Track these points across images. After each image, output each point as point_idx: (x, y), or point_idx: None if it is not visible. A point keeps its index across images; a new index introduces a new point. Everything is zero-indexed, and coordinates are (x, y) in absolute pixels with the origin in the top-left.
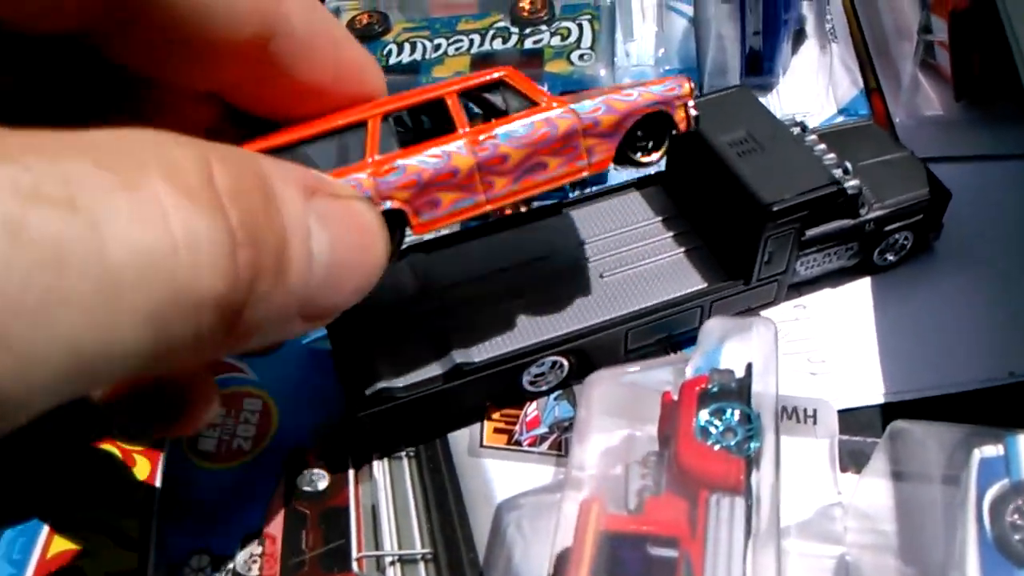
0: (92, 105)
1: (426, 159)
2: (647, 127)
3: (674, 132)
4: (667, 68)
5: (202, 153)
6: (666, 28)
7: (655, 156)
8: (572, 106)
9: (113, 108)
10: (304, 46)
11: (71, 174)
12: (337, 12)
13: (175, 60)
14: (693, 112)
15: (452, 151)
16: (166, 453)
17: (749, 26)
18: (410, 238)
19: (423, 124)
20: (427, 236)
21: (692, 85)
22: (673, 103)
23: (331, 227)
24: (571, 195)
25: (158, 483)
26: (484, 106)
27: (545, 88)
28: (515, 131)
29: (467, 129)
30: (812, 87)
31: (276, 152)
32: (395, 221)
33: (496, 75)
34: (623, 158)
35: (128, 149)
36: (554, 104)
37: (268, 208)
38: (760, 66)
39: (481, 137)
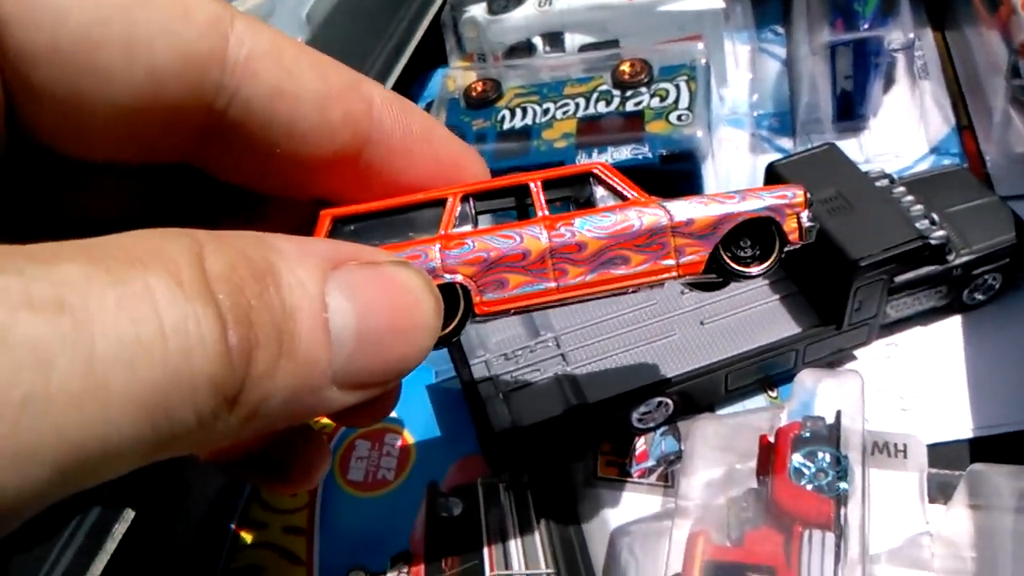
0: (205, 219)
1: (497, 238)
2: (754, 236)
3: (784, 245)
4: (760, 112)
5: (194, 243)
6: (759, 73)
7: (756, 269)
8: (664, 203)
9: (225, 219)
10: (400, 147)
11: (62, 276)
12: (455, 81)
13: (274, 175)
14: (807, 223)
15: (525, 233)
16: (322, 483)
17: (840, 69)
18: None
19: (507, 209)
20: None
21: (808, 195)
22: (783, 211)
23: (359, 295)
24: None
25: (318, 508)
26: (576, 202)
27: (646, 148)
28: (595, 220)
29: (546, 214)
30: (903, 127)
31: (351, 220)
32: (457, 297)
33: (589, 168)
34: (719, 266)
35: (122, 247)
36: (644, 200)
37: (264, 287)
38: (852, 108)
39: (559, 224)
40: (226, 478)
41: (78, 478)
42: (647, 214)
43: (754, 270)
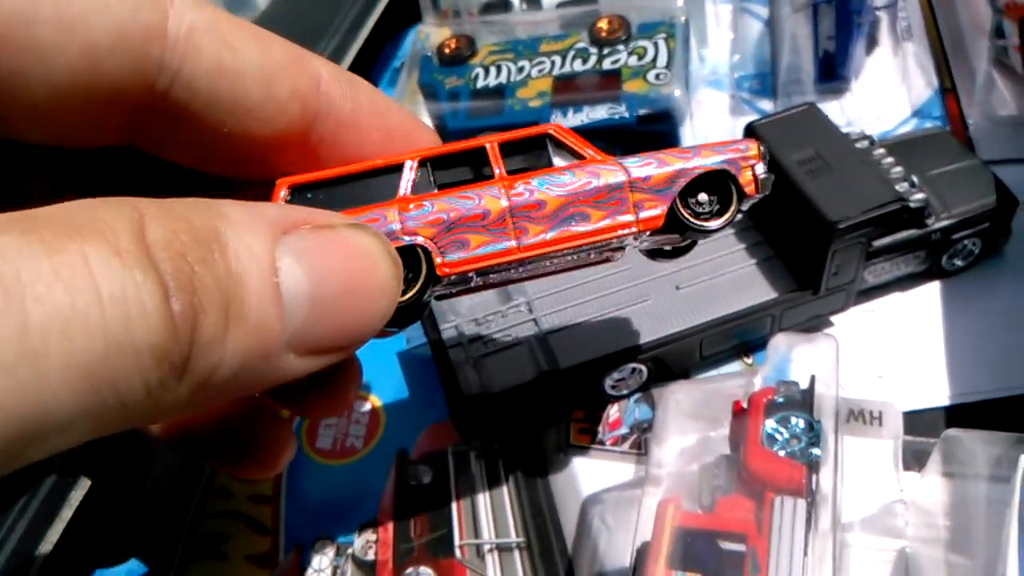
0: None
1: (456, 199)
2: (711, 190)
3: (742, 198)
4: (741, 74)
5: (135, 211)
6: (741, 33)
7: (715, 223)
8: (620, 159)
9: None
10: (349, 121)
11: None
12: (427, 38)
13: (225, 154)
14: (762, 175)
15: (484, 193)
16: None
17: (823, 29)
18: None
19: (464, 176)
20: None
21: (761, 148)
22: (737, 163)
23: (312, 258)
24: None
25: (284, 477)
26: (531, 162)
27: (623, 108)
28: (553, 178)
29: (504, 174)
30: (886, 89)
31: (308, 188)
32: (419, 261)
33: (543, 130)
34: (678, 222)
35: (59, 218)
36: (599, 157)
37: (208, 253)
38: (834, 69)
39: (517, 183)
40: (189, 459)
41: (20, 449)
42: (605, 171)
43: (713, 224)
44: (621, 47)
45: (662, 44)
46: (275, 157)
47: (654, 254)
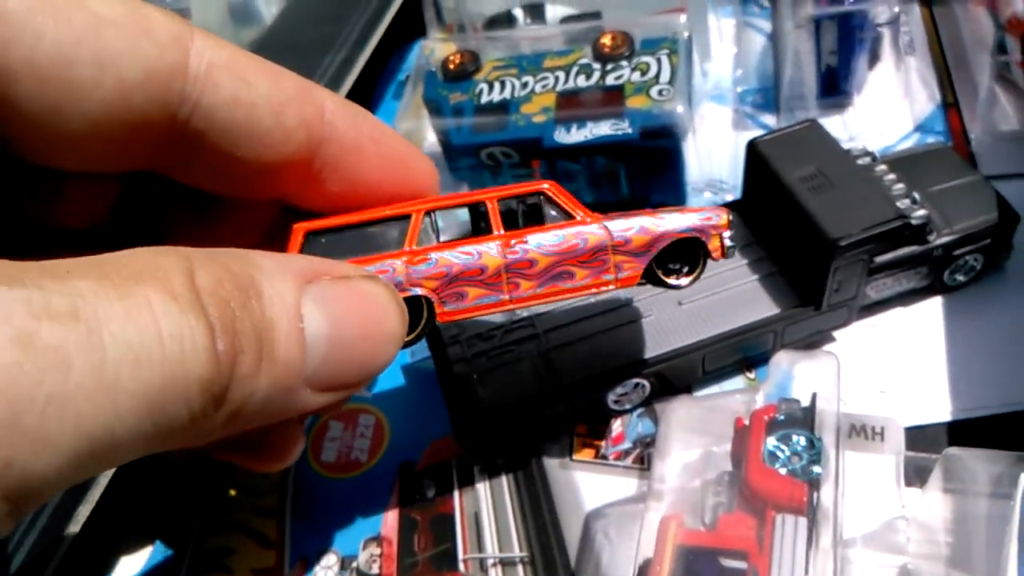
0: (170, 220)
1: (458, 254)
2: (681, 252)
3: (706, 260)
4: (744, 88)
5: (185, 260)
6: (744, 47)
7: (685, 281)
8: (606, 223)
9: (193, 218)
10: (351, 147)
11: (76, 289)
12: (432, 53)
13: (237, 177)
14: (728, 243)
15: (483, 250)
16: (294, 464)
17: (825, 44)
18: None
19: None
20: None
21: (729, 217)
22: (708, 231)
23: (331, 306)
24: None
25: (289, 490)
26: (527, 210)
27: (626, 124)
28: (546, 239)
29: (502, 232)
30: (889, 104)
31: (320, 234)
32: (422, 308)
33: (538, 187)
34: (653, 278)
35: (125, 264)
36: (588, 220)
37: (247, 300)
38: (836, 84)
39: (513, 241)
40: (198, 454)
41: (91, 465)
42: (591, 234)
43: (683, 281)
44: (624, 63)
45: (665, 60)
46: (282, 179)
47: (652, 280)
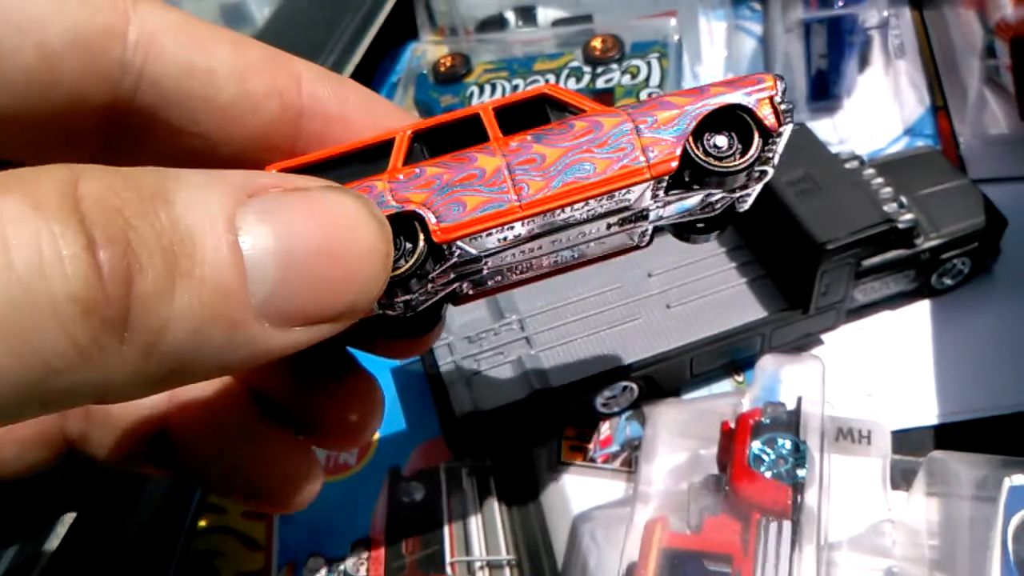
0: None
1: (448, 162)
2: (731, 129)
3: (765, 136)
4: None
5: (71, 170)
6: (735, 50)
7: (741, 162)
8: (623, 106)
9: None
10: (337, 117)
11: None
12: (423, 55)
13: (205, 161)
14: (782, 105)
15: (479, 154)
16: None
17: (815, 48)
18: None
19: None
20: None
21: (777, 79)
22: (753, 96)
23: (278, 217)
24: None
25: None
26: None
27: None
28: (551, 130)
29: (500, 136)
30: (878, 107)
31: (296, 172)
32: (415, 231)
33: (538, 91)
34: (696, 166)
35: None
36: (599, 108)
37: (148, 208)
38: (826, 88)
39: (512, 141)
40: (206, 491)
41: None
42: (606, 118)
43: (738, 163)
44: (615, 66)
45: (655, 63)
46: (265, 160)
47: (685, 232)
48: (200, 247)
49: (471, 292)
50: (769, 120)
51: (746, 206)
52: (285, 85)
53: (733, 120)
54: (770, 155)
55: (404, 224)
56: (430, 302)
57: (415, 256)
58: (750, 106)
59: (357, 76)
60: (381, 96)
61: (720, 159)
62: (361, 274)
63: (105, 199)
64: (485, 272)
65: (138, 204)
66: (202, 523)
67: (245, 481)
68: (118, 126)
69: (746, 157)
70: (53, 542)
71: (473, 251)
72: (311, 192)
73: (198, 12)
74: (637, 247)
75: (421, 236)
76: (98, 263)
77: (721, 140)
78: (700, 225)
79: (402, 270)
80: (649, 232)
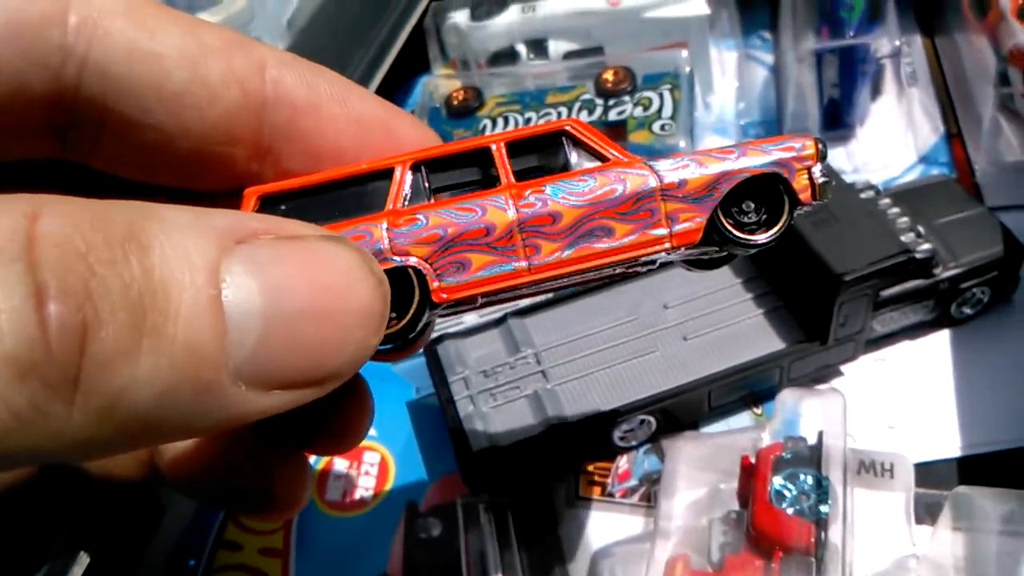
0: None
1: (455, 211)
2: (758, 198)
3: (795, 206)
4: (747, 121)
5: (31, 204)
6: (746, 80)
7: (764, 236)
8: (650, 162)
9: None
10: (306, 110)
11: None
12: (436, 89)
13: (166, 161)
14: (820, 178)
15: (488, 204)
16: None
17: (827, 77)
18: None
19: (468, 182)
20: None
21: (820, 145)
22: (791, 165)
23: (268, 271)
24: None
25: (294, 529)
26: (547, 166)
27: None
28: (570, 185)
29: (512, 181)
30: (892, 135)
31: (282, 198)
32: (412, 285)
33: (559, 126)
34: (720, 234)
35: None
36: (625, 160)
37: (117, 255)
38: (839, 117)
39: (528, 192)
40: (201, 505)
41: None
42: (632, 176)
43: (761, 237)
44: (627, 98)
45: (667, 95)
46: (227, 156)
47: (690, 264)
48: (175, 301)
49: (456, 310)
50: (804, 194)
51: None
52: (245, 71)
53: (764, 185)
54: (795, 218)
55: (400, 275)
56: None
57: (410, 313)
58: (787, 176)
59: None
60: (357, 85)
61: (744, 227)
62: (354, 338)
63: (67, 241)
64: (477, 304)
65: (106, 249)
66: (218, 560)
67: (234, 491)
68: (68, 117)
69: (774, 231)
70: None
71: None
72: (307, 242)
73: None
74: (634, 274)
75: (417, 293)
76: (44, 318)
77: (748, 207)
78: (706, 259)
79: (395, 329)
80: (653, 266)
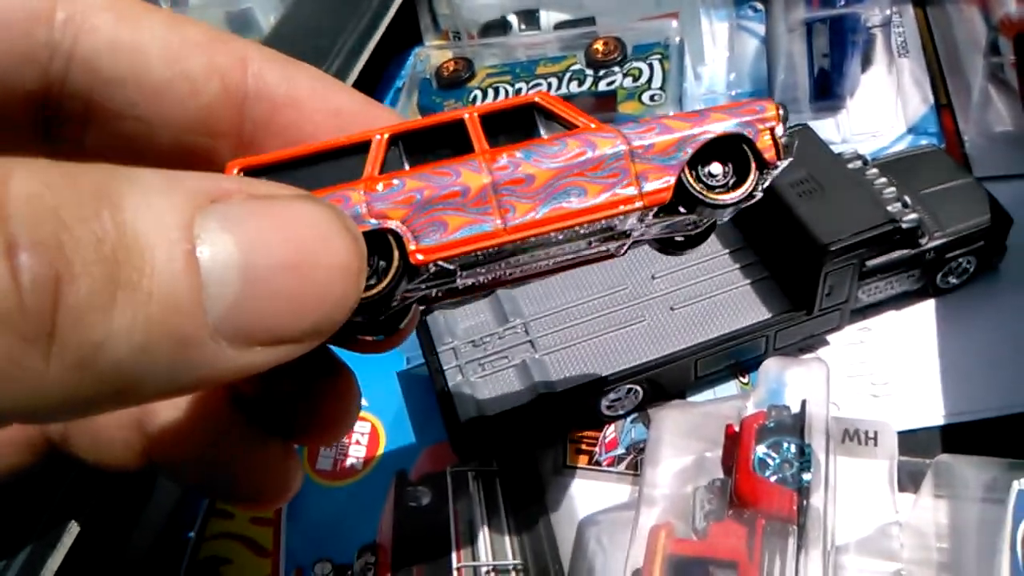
0: None
1: (430, 175)
2: (725, 159)
3: (762, 166)
4: (738, 91)
5: (3, 166)
6: (738, 51)
7: (731, 195)
8: (619, 127)
9: None
10: (286, 103)
11: None
12: (426, 59)
13: (151, 149)
14: (783, 138)
15: (463, 168)
16: None
17: (817, 47)
18: None
19: (444, 154)
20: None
21: (781, 109)
22: (754, 126)
23: (243, 226)
24: None
25: None
26: (519, 139)
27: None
28: (542, 148)
29: (486, 147)
30: (882, 106)
31: (263, 171)
32: (391, 248)
33: (527, 99)
34: (689, 196)
35: None
36: (594, 126)
37: (90, 212)
38: (829, 87)
39: (501, 156)
40: (187, 493)
41: None
42: (601, 139)
43: (729, 197)
44: (616, 68)
45: (657, 65)
46: (210, 148)
47: (664, 246)
48: (150, 256)
49: (440, 295)
50: (768, 153)
51: (725, 219)
52: (227, 65)
53: (730, 147)
54: (763, 184)
55: (378, 240)
56: (398, 307)
57: (389, 277)
58: (751, 136)
59: (362, 81)
60: (336, 79)
61: (713, 189)
62: (331, 293)
63: (38, 198)
64: (457, 282)
65: (78, 205)
66: (210, 529)
67: (223, 480)
68: (55, 112)
69: (741, 190)
70: (60, 551)
71: (451, 266)
72: (280, 200)
73: (204, 19)
74: (612, 256)
75: (396, 255)
76: (15, 267)
77: (716, 168)
78: (680, 239)
79: (374, 291)
80: (627, 245)
